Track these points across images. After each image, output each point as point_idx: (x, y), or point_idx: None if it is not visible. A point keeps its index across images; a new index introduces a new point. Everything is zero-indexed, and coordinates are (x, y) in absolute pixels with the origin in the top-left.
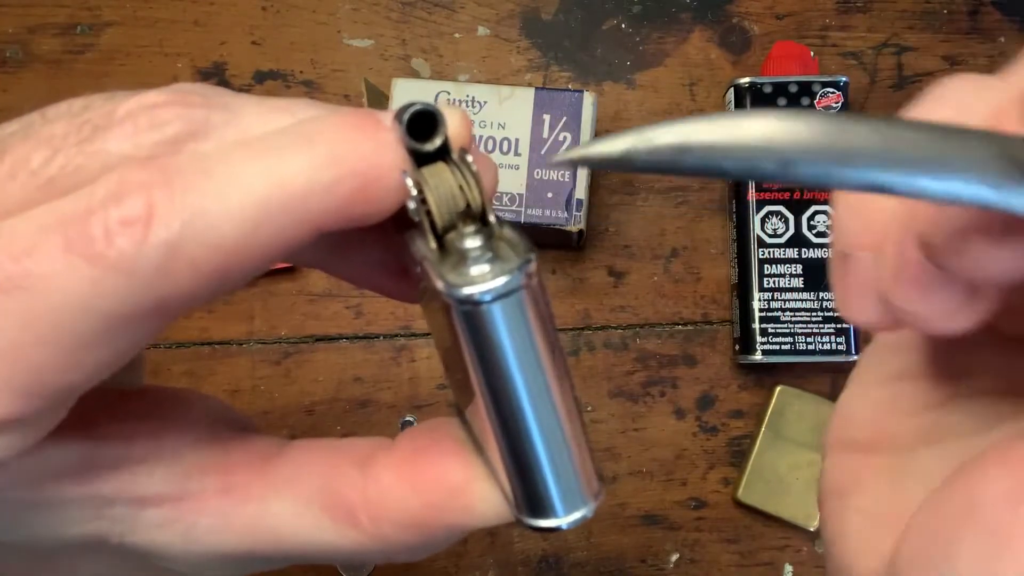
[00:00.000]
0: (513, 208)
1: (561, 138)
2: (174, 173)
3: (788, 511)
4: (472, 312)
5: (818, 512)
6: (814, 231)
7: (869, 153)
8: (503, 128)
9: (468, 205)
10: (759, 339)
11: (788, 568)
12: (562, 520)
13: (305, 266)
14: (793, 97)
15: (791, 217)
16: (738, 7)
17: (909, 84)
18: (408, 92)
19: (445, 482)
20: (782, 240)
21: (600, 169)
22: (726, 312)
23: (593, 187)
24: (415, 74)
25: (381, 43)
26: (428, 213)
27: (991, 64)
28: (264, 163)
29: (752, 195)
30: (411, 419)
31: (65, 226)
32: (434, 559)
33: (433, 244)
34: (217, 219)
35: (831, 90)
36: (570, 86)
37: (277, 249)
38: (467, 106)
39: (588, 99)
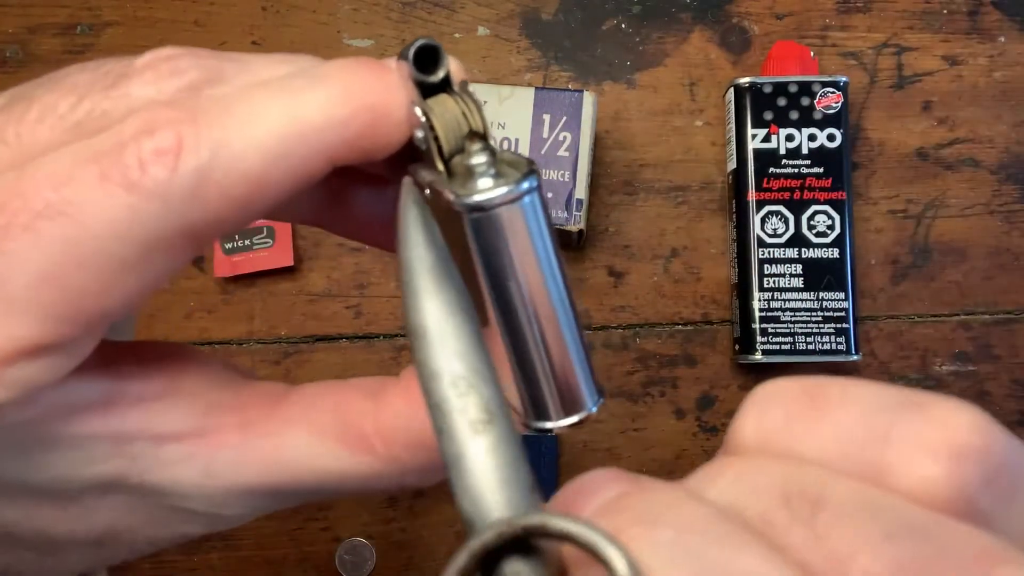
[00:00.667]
0: None
1: (561, 138)
2: (199, 111)
3: None
4: (482, 219)
5: None
6: (814, 231)
7: None
8: (503, 128)
9: (471, 130)
10: (759, 339)
11: None
12: (564, 421)
13: (308, 224)
14: (793, 97)
15: (791, 217)
16: (738, 7)
17: (909, 84)
18: None
19: None
20: (782, 240)
21: None
22: (726, 312)
23: (593, 187)
24: None
25: (381, 43)
26: (436, 139)
27: (991, 64)
28: (283, 100)
29: (752, 195)
30: None
31: (99, 158)
32: (434, 559)
33: (441, 167)
34: (242, 149)
35: (831, 90)
36: (570, 86)
37: (296, 180)
38: None
39: (588, 99)
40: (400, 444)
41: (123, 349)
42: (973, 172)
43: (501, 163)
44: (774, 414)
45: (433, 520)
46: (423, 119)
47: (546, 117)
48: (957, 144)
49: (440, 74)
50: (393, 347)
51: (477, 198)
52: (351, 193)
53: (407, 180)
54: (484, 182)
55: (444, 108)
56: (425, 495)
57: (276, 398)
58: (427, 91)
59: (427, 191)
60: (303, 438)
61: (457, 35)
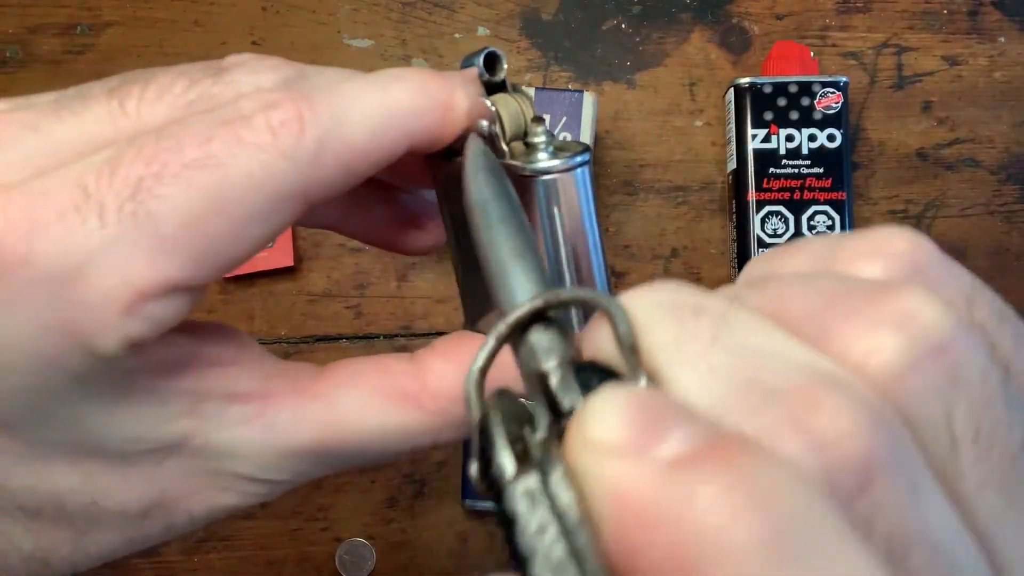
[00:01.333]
0: None
1: (561, 138)
2: (310, 92)
3: None
4: (548, 181)
5: None
6: (814, 231)
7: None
8: None
9: (535, 116)
10: None
11: None
12: None
13: (330, 227)
14: (793, 97)
15: (791, 217)
16: (738, 7)
17: (909, 84)
18: None
19: None
20: (782, 240)
21: None
22: None
23: (593, 187)
24: None
25: (381, 43)
26: (502, 125)
27: (991, 64)
28: (375, 91)
29: (752, 195)
30: None
31: (231, 124)
32: (434, 559)
33: (506, 148)
34: (351, 124)
35: (831, 90)
36: (570, 86)
37: (387, 155)
38: None
39: (588, 99)
40: (447, 398)
41: (196, 321)
42: (973, 172)
43: (556, 144)
44: (758, 267)
45: (433, 521)
46: (492, 109)
47: (546, 117)
48: (957, 144)
49: (501, 75)
50: (393, 347)
51: (545, 164)
52: (368, 198)
53: (474, 140)
54: (546, 155)
55: (506, 103)
56: (425, 496)
57: (318, 369)
58: (489, 90)
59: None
60: (355, 397)
61: (457, 35)
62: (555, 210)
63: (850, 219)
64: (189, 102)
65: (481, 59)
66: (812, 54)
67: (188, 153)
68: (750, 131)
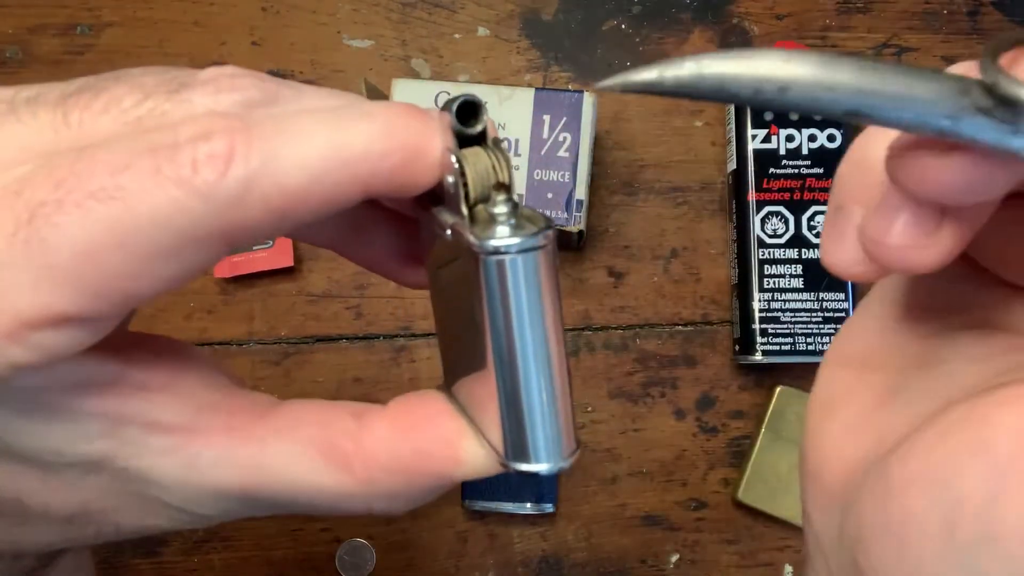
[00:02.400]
0: None
1: (561, 138)
2: (253, 124)
3: (788, 511)
4: (497, 262)
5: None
6: (814, 231)
7: (848, 87)
8: (503, 128)
9: (498, 181)
10: (759, 339)
11: (788, 568)
12: (544, 466)
13: (327, 247)
14: None
15: (791, 217)
16: (738, 7)
17: None
18: (408, 93)
19: (436, 432)
20: (782, 240)
21: (636, 93)
22: (726, 312)
23: (593, 187)
24: (415, 74)
25: (381, 43)
26: (465, 185)
27: None
28: (329, 127)
29: (752, 195)
30: None
31: (155, 153)
32: (435, 559)
33: (466, 211)
34: (287, 165)
35: None
36: (570, 86)
37: (331, 201)
38: None
39: (588, 99)
40: (378, 466)
41: (131, 337)
42: None
43: (521, 216)
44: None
45: (433, 522)
46: (456, 166)
47: (546, 118)
48: None
49: (478, 128)
50: (393, 347)
51: (496, 243)
52: (370, 224)
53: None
54: (504, 230)
55: (477, 159)
56: None
57: (264, 408)
58: (463, 142)
59: (448, 232)
60: (286, 448)
61: (457, 35)
62: (508, 300)
63: None
64: (136, 118)
65: (455, 107)
66: None
67: (96, 181)
68: (750, 131)
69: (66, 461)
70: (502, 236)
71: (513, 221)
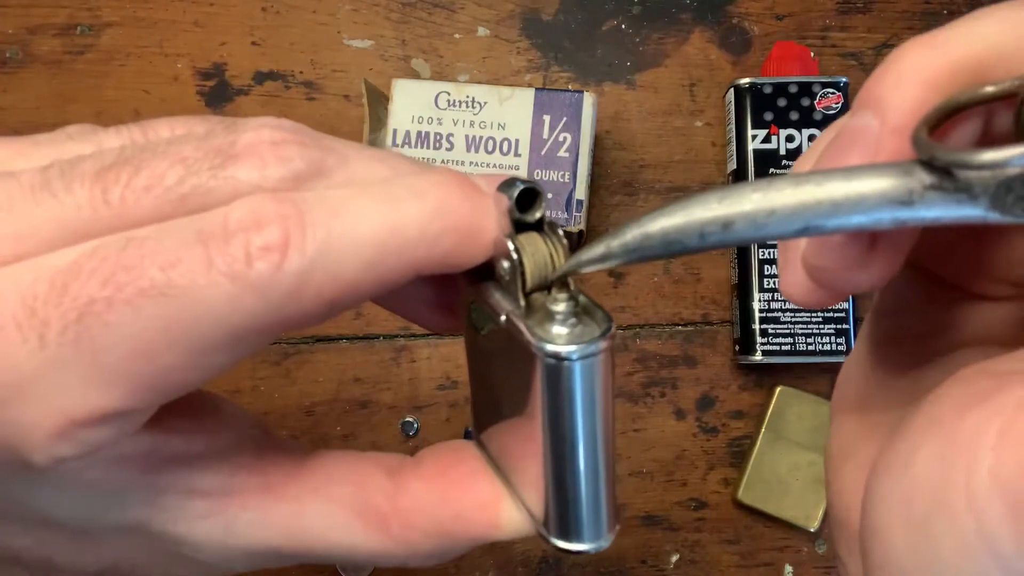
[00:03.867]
0: None
1: (561, 138)
2: (306, 209)
3: (788, 511)
4: (556, 367)
5: (823, 501)
6: None
7: (789, 207)
8: (503, 129)
9: (559, 277)
10: (759, 339)
11: (788, 569)
12: (587, 545)
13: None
14: (793, 98)
15: None
16: (738, 7)
17: None
18: (408, 93)
19: (475, 497)
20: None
21: (591, 270)
22: (726, 312)
23: (593, 188)
24: (415, 74)
25: (381, 43)
26: (523, 274)
27: None
28: (384, 209)
29: None
30: (411, 420)
31: (207, 242)
32: None
33: (522, 302)
34: (342, 254)
35: (831, 91)
36: (570, 86)
37: (383, 285)
38: (467, 107)
39: (588, 100)
40: (417, 530)
41: (169, 404)
42: None
43: (580, 312)
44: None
45: None
46: (515, 255)
47: (546, 118)
48: None
49: (537, 215)
50: (393, 347)
51: (558, 348)
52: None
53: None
54: (563, 330)
55: (535, 247)
56: None
57: (296, 462)
58: (520, 227)
59: (502, 318)
60: (322, 508)
61: (457, 35)
62: (565, 399)
63: None
64: (181, 196)
65: (515, 194)
66: (812, 54)
67: (147, 277)
68: (750, 131)
69: (101, 527)
70: (563, 339)
71: (574, 319)
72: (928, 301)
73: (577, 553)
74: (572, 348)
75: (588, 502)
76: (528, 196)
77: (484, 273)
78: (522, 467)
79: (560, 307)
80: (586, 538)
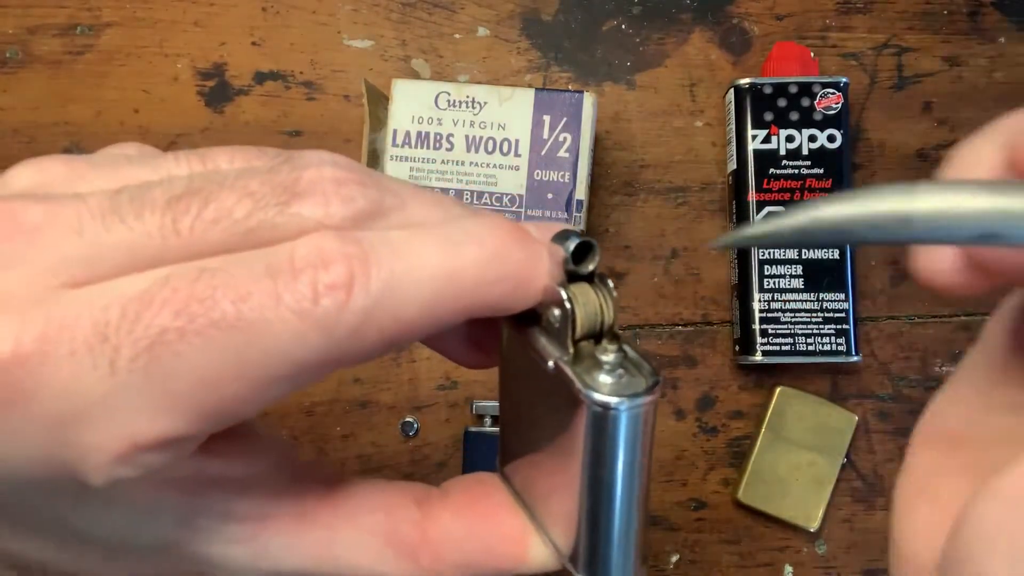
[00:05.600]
0: (513, 209)
1: (561, 139)
2: (370, 249)
3: (788, 512)
4: (603, 415)
5: (823, 501)
6: None
7: (977, 212)
8: (503, 129)
9: (609, 328)
10: (759, 340)
11: (788, 569)
12: None
13: None
14: (793, 98)
15: None
16: (738, 7)
17: (909, 85)
18: (408, 93)
19: (503, 530)
20: None
21: (749, 246)
22: (726, 313)
23: (593, 188)
24: (415, 75)
25: (381, 44)
26: (574, 323)
27: (991, 64)
28: (444, 253)
29: (752, 196)
30: (411, 420)
31: (275, 277)
32: None
33: (571, 349)
34: (404, 295)
35: (831, 91)
36: (570, 87)
37: (438, 325)
38: (467, 107)
39: (588, 100)
40: (446, 562)
41: None
42: None
43: (628, 363)
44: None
45: None
46: (568, 305)
47: (546, 118)
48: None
49: (590, 267)
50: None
51: (605, 399)
52: None
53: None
54: (610, 380)
55: (587, 298)
56: None
57: (328, 489)
58: (572, 277)
59: (550, 364)
60: (354, 535)
61: (457, 35)
62: (609, 446)
63: None
64: (248, 230)
65: (572, 247)
66: (812, 55)
67: (219, 309)
68: (750, 132)
69: (135, 546)
70: (610, 388)
71: (620, 371)
72: None
73: None
74: (620, 399)
75: (619, 543)
76: (583, 249)
77: (527, 317)
78: (552, 503)
79: (609, 358)
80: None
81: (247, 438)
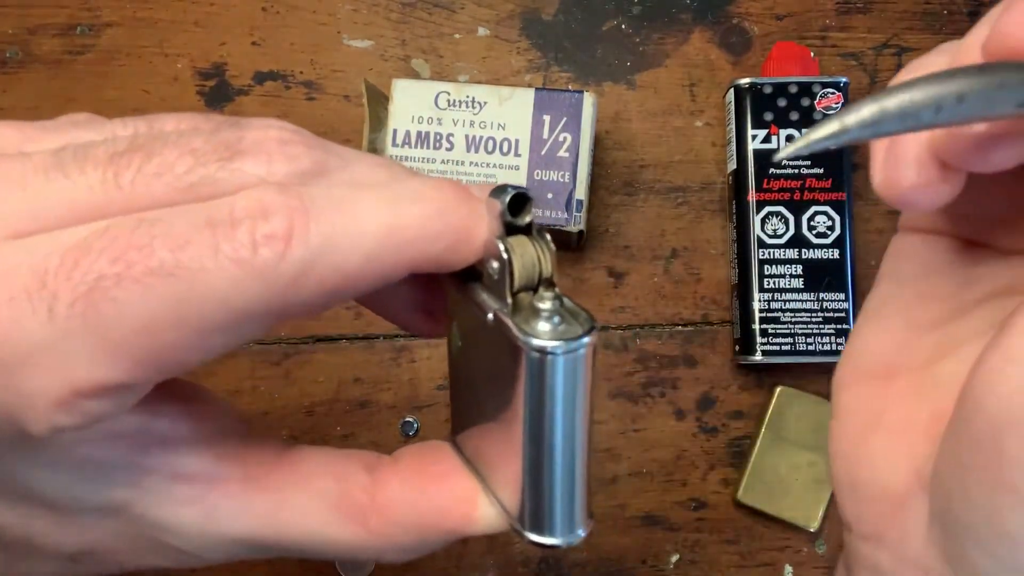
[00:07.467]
0: None
1: (561, 139)
2: (311, 202)
3: (788, 512)
4: (540, 360)
5: (823, 501)
6: (814, 231)
7: (1017, 79)
8: (503, 129)
9: (546, 276)
10: (759, 340)
11: (788, 569)
12: (559, 539)
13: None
14: (793, 98)
15: (791, 218)
16: (738, 7)
17: None
18: (408, 93)
19: (451, 492)
20: (782, 240)
21: (820, 149)
22: (726, 313)
23: (593, 188)
24: (415, 75)
25: (381, 44)
26: (511, 274)
27: None
28: (386, 208)
29: (752, 196)
30: (411, 420)
31: (214, 229)
32: (435, 559)
33: (509, 300)
34: (344, 247)
35: (831, 91)
36: (570, 87)
37: (380, 279)
38: (467, 107)
39: (588, 100)
40: (394, 524)
41: (157, 386)
42: None
43: (565, 311)
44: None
45: None
46: (505, 256)
47: (546, 118)
48: None
49: (526, 219)
50: (393, 347)
51: (543, 343)
52: (400, 285)
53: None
54: (548, 327)
55: (524, 249)
56: None
57: (278, 455)
58: (510, 230)
59: (489, 316)
60: (303, 500)
61: (457, 35)
62: (547, 392)
63: (850, 220)
64: (190, 185)
65: (507, 199)
66: (812, 55)
67: (156, 257)
68: (750, 131)
69: (84, 507)
70: (548, 334)
71: (558, 318)
72: (955, 262)
73: (550, 547)
74: (557, 343)
75: (563, 496)
76: (519, 201)
77: (470, 277)
78: (499, 465)
79: (546, 305)
80: (559, 532)
81: (194, 399)
